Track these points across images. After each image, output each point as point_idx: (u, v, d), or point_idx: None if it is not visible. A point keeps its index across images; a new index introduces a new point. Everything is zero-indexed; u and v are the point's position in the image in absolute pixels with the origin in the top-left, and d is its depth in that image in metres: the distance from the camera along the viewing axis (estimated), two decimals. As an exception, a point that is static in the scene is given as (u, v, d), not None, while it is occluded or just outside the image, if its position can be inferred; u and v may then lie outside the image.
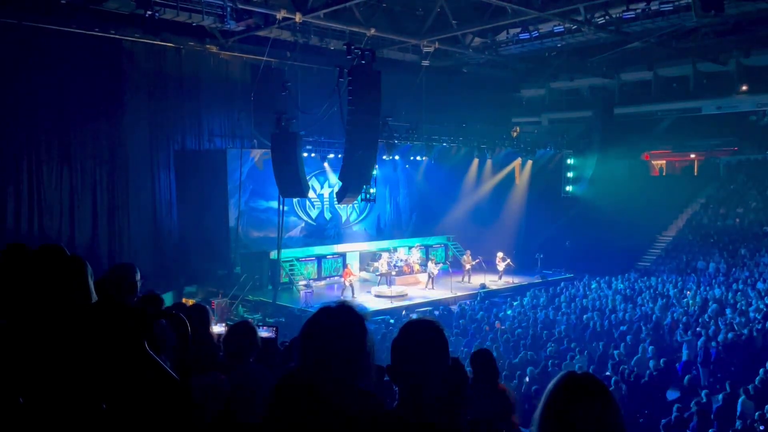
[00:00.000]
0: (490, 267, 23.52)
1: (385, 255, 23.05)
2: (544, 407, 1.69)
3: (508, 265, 23.52)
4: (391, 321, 16.67)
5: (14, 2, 17.15)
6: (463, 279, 23.25)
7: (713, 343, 13.59)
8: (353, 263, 23.50)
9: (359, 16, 19.85)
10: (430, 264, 22.76)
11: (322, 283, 22.79)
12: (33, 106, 18.05)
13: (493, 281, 23.04)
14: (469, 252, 24.09)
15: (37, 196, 18.58)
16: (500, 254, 23.58)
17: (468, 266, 23.47)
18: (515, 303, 19.37)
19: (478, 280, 22.94)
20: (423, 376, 2.03)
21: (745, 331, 14.45)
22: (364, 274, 23.91)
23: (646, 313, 16.84)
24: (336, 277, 23.08)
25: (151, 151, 21.24)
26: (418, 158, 26.24)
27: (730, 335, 13.95)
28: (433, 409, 2.06)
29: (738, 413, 9.91)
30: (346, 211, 25.99)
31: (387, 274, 21.89)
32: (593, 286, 20.98)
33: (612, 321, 16.35)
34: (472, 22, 21.11)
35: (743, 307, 16.97)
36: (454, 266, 24.35)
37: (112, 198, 20.17)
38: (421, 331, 2.11)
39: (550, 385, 1.72)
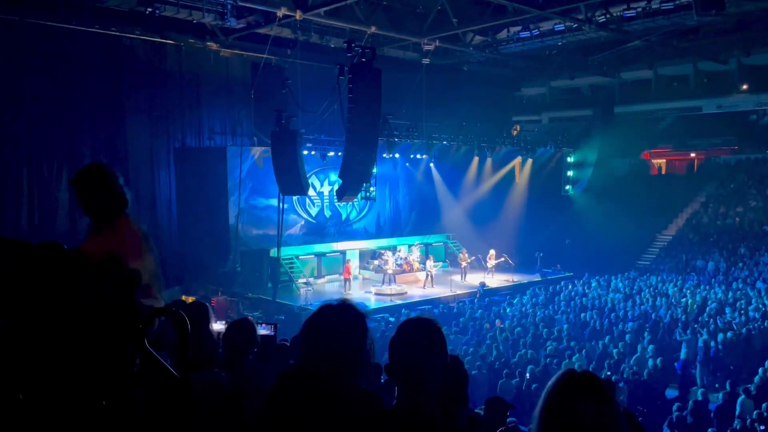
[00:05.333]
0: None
1: (389, 254, 23.11)
2: (543, 405, 1.69)
3: (505, 261, 23.55)
4: (391, 319, 16.68)
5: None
6: (461, 277, 23.29)
7: (712, 342, 13.59)
8: (353, 261, 23.52)
9: (360, 14, 19.83)
10: (428, 262, 22.79)
11: (323, 280, 22.83)
12: (33, 103, 18.02)
13: (486, 278, 23.04)
14: (465, 250, 24.12)
15: (36, 194, 18.57)
16: (492, 252, 23.68)
17: (464, 264, 23.55)
18: (515, 301, 19.37)
19: (477, 278, 22.97)
20: (421, 374, 2.03)
21: (744, 331, 14.46)
22: (365, 273, 23.91)
23: (646, 312, 16.85)
24: (335, 275, 23.20)
25: (151, 148, 21.23)
26: (418, 156, 26.23)
27: (729, 334, 13.97)
28: (432, 407, 2.06)
29: (737, 412, 9.92)
30: (346, 209, 26.00)
31: (392, 272, 21.92)
32: (593, 285, 20.99)
33: (611, 320, 16.36)
34: (472, 20, 21.09)
35: (743, 306, 16.98)
36: (453, 265, 24.40)
37: (112, 195, 20.13)
38: (419, 330, 2.11)
39: (550, 383, 1.72)
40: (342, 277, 21.89)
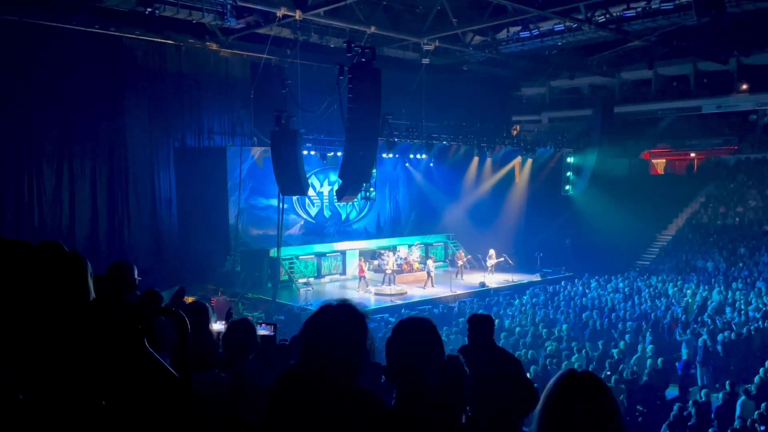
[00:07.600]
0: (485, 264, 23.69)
1: (390, 253, 23.11)
2: (544, 405, 1.69)
3: (504, 261, 23.54)
4: (391, 319, 16.67)
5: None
6: (457, 276, 23.29)
7: (710, 343, 13.59)
8: (353, 261, 23.54)
9: (359, 13, 19.83)
10: (428, 262, 22.78)
11: (324, 280, 22.88)
12: (33, 103, 18.03)
13: (485, 277, 23.06)
14: (462, 249, 24.13)
15: (37, 194, 18.57)
16: (492, 251, 23.69)
17: (460, 263, 23.57)
18: (515, 302, 19.35)
19: (476, 277, 22.98)
20: (417, 374, 2.03)
21: (744, 331, 14.46)
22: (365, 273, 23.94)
23: (646, 312, 16.84)
24: (335, 275, 23.19)
25: (151, 148, 21.23)
26: (418, 156, 26.23)
27: (727, 333, 13.97)
28: (430, 408, 2.06)
29: (738, 413, 9.91)
30: (346, 209, 26.00)
31: (392, 272, 21.94)
32: (593, 285, 20.98)
33: (612, 320, 16.35)
34: (472, 20, 21.10)
35: (742, 306, 16.97)
36: (451, 264, 24.41)
37: (111, 195, 20.17)
38: (413, 330, 2.11)
39: (550, 383, 1.72)
40: (358, 275, 21.96)
